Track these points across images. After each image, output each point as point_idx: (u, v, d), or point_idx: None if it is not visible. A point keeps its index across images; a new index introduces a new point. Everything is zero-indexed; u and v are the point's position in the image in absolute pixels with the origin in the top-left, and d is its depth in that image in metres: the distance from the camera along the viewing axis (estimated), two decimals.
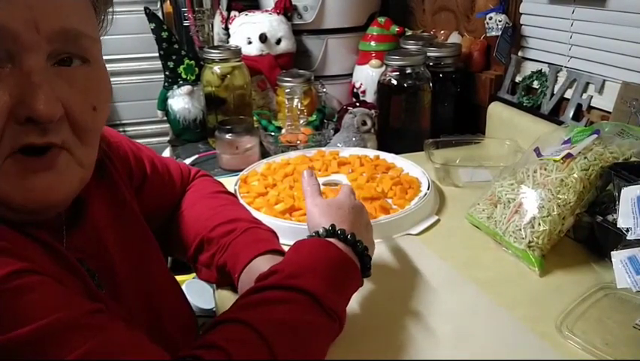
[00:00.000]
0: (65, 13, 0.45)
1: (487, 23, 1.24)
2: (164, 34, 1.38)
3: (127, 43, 1.90)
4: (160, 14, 1.64)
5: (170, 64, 1.40)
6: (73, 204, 0.56)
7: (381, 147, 1.24)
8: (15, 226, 0.47)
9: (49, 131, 0.45)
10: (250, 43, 1.44)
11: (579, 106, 1.07)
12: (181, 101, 1.42)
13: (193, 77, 1.43)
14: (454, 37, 1.44)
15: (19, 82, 0.43)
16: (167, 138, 1.66)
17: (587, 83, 1.05)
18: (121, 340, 0.44)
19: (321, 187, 0.98)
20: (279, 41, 1.45)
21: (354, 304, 0.66)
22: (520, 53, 1.24)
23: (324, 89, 1.47)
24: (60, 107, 0.45)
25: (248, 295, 0.55)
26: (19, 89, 0.43)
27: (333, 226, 0.62)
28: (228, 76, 1.33)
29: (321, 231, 0.62)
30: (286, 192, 0.96)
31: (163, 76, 1.44)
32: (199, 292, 1.41)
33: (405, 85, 1.20)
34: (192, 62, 1.42)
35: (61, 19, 0.45)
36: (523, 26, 1.21)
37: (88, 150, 0.50)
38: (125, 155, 0.71)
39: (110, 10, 0.54)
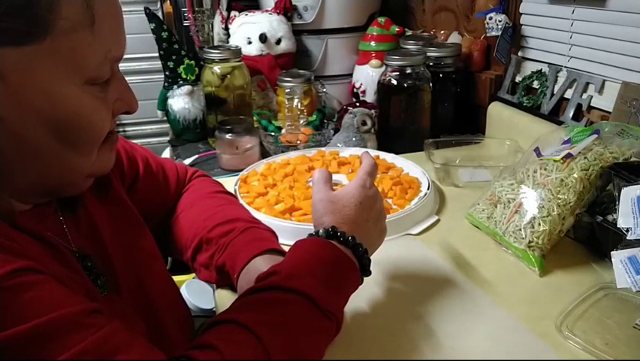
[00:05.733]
0: None
1: (487, 23, 1.24)
2: (164, 34, 1.38)
3: (127, 43, 1.89)
4: (160, 14, 1.63)
5: (170, 64, 1.40)
6: (68, 201, 0.57)
7: (381, 147, 1.24)
8: (16, 225, 0.48)
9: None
10: (250, 43, 1.44)
11: (579, 106, 1.07)
12: (181, 101, 1.42)
13: (193, 77, 1.43)
14: (454, 37, 1.44)
15: (117, 85, 0.54)
16: (167, 138, 1.66)
17: (587, 83, 1.05)
18: (117, 339, 0.45)
19: None
20: (279, 41, 1.45)
21: (353, 304, 0.65)
22: (520, 53, 1.24)
23: (324, 89, 1.47)
24: None
25: (245, 296, 0.55)
26: (118, 90, 0.54)
27: (333, 227, 0.61)
28: (228, 76, 1.33)
29: (320, 231, 0.61)
30: (286, 192, 0.96)
31: (163, 76, 1.44)
32: (199, 293, 1.41)
33: (405, 85, 1.20)
34: (192, 62, 1.42)
35: None
36: (523, 26, 1.21)
37: None
38: (117, 153, 0.71)
39: None
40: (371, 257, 0.64)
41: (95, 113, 0.51)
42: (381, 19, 1.51)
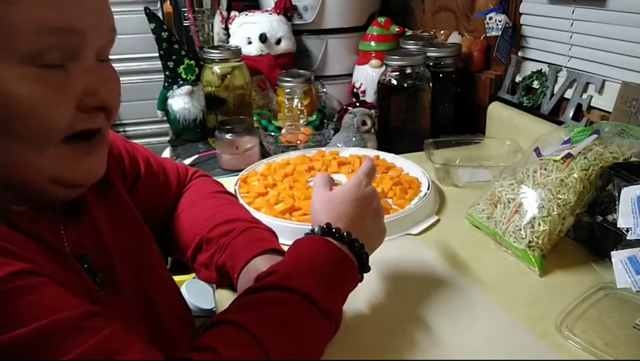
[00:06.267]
0: (110, 13, 0.52)
1: (487, 23, 1.24)
2: (164, 34, 1.38)
3: (127, 44, 1.89)
4: (160, 14, 1.63)
5: (170, 64, 1.40)
6: (69, 201, 0.56)
7: (381, 147, 1.24)
8: (14, 226, 0.47)
9: (99, 118, 0.51)
10: (250, 43, 1.44)
11: (579, 106, 1.07)
12: (181, 101, 1.42)
13: (193, 77, 1.43)
14: (454, 37, 1.44)
15: (86, 76, 0.48)
16: (167, 138, 1.66)
17: (587, 83, 1.05)
18: (116, 342, 0.44)
19: None
20: (279, 41, 1.45)
21: (353, 304, 0.66)
22: (520, 53, 1.24)
23: (324, 89, 1.47)
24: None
25: (244, 296, 0.55)
26: (86, 82, 0.48)
27: (328, 224, 0.62)
28: (228, 76, 1.33)
29: (316, 229, 0.62)
30: (286, 192, 0.96)
31: (163, 76, 1.44)
32: (199, 292, 1.41)
33: (405, 85, 1.20)
34: (192, 62, 1.42)
35: (109, 18, 0.51)
36: (523, 26, 1.21)
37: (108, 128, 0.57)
38: (119, 153, 0.72)
39: None
40: (371, 257, 0.64)
41: (41, 100, 0.45)
42: (381, 19, 1.51)
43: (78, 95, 0.48)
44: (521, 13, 1.20)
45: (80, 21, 0.46)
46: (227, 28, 1.52)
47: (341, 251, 0.60)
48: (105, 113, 0.51)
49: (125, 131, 2.12)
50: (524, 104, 1.19)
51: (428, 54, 1.25)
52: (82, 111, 0.48)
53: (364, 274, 0.64)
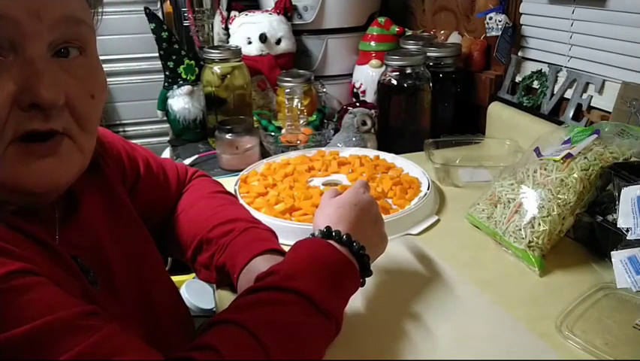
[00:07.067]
0: (66, 1, 0.48)
1: (487, 23, 1.24)
2: (164, 34, 1.38)
3: (127, 43, 1.90)
4: (160, 14, 1.64)
5: (170, 64, 1.41)
6: (66, 200, 0.56)
7: (381, 147, 1.24)
8: (10, 225, 0.47)
9: (52, 118, 0.47)
10: (250, 43, 1.44)
11: (579, 106, 1.07)
12: (181, 101, 1.42)
13: (193, 77, 1.43)
14: (454, 37, 1.44)
15: (23, 70, 0.45)
16: (167, 138, 1.66)
17: (587, 83, 1.05)
18: (114, 342, 0.44)
19: (321, 188, 0.99)
20: (279, 41, 1.45)
21: (353, 304, 0.65)
22: (520, 53, 1.24)
23: (324, 89, 1.47)
24: (62, 94, 0.47)
25: (244, 296, 0.55)
26: (23, 76, 0.45)
27: (328, 227, 0.62)
28: (228, 76, 1.33)
29: (316, 233, 0.62)
30: (286, 192, 0.96)
31: (163, 76, 1.44)
32: (199, 293, 1.42)
33: (405, 85, 1.20)
34: (192, 62, 1.42)
35: (62, 7, 0.47)
36: (523, 26, 1.21)
37: (88, 137, 0.53)
38: (118, 154, 0.71)
39: (101, 10, 0.55)
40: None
41: None
42: (381, 19, 1.51)
43: (15, 91, 0.45)
44: (521, 13, 1.20)
45: (12, 8, 0.43)
46: (227, 28, 1.52)
47: (341, 253, 0.60)
48: (70, 112, 0.48)
49: (124, 131, 2.12)
50: (524, 104, 1.19)
51: (428, 54, 1.25)
52: (21, 109, 0.45)
53: (366, 279, 0.64)
